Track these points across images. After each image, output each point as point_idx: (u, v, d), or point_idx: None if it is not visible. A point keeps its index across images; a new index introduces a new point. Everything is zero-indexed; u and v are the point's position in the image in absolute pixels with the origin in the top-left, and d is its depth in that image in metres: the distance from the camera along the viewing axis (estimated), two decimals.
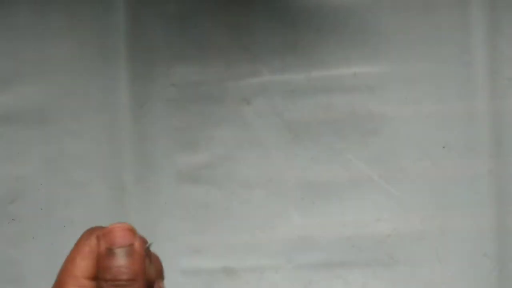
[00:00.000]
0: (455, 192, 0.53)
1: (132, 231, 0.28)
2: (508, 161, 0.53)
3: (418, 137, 0.54)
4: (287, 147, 0.55)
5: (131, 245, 0.27)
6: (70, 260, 0.29)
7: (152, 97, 0.56)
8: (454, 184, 0.53)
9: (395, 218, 0.54)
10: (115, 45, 0.56)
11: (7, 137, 0.56)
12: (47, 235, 0.56)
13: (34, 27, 0.57)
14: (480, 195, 0.53)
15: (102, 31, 0.56)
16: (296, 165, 0.55)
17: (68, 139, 0.56)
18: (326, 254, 0.54)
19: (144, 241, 0.28)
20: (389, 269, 0.53)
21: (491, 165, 0.53)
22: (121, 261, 0.27)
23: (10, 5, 0.57)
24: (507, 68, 0.53)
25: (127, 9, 0.56)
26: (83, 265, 0.28)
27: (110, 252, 0.27)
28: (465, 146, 0.53)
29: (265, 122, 0.55)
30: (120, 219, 0.56)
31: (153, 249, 0.53)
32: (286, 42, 0.55)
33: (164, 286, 0.29)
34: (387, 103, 0.54)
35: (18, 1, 0.57)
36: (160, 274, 0.29)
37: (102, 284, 0.27)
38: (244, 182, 0.55)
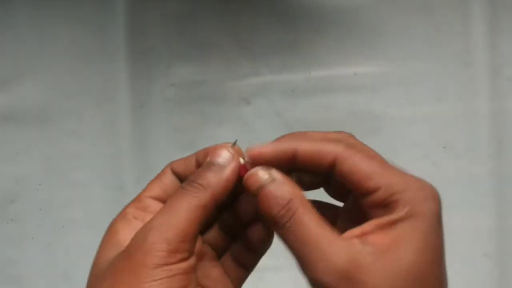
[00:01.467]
0: (455, 192, 0.53)
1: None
2: (508, 161, 0.53)
3: (418, 137, 0.54)
4: None
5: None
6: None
7: (152, 97, 0.56)
8: (455, 184, 0.53)
9: None
10: (115, 45, 0.56)
11: (6, 137, 0.56)
12: (46, 236, 0.56)
13: (34, 27, 0.57)
14: (481, 195, 0.53)
15: (102, 32, 0.56)
16: None
17: (68, 139, 0.56)
18: None
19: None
20: None
21: (492, 165, 0.53)
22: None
23: (9, 5, 0.57)
24: (507, 68, 0.53)
25: (127, 9, 0.56)
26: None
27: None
28: (466, 146, 0.53)
29: (265, 122, 0.55)
30: None
31: None
32: (286, 42, 0.55)
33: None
34: (387, 103, 0.54)
35: (18, 1, 0.57)
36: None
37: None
38: None
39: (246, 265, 0.33)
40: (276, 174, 0.29)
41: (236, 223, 0.32)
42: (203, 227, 0.29)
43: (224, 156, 0.31)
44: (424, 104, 0.54)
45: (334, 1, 0.55)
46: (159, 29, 0.56)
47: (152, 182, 0.32)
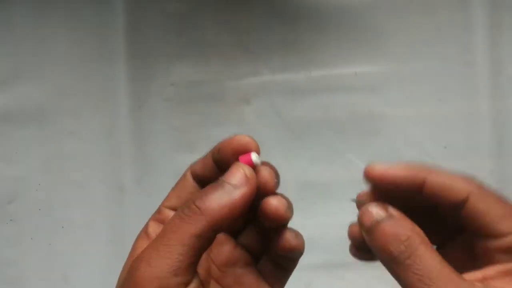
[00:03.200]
0: None
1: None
2: (509, 161, 0.53)
3: (419, 137, 0.54)
4: (287, 147, 0.55)
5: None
6: None
7: (151, 96, 0.56)
8: None
9: None
10: (114, 45, 0.56)
11: (5, 137, 0.56)
12: (45, 236, 0.56)
13: (33, 27, 0.57)
14: None
15: (101, 31, 0.56)
16: (296, 165, 0.55)
17: (67, 139, 0.56)
18: (326, 255, 0.54)
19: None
20: None
21: (493, 165, 0.53)
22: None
23: (8, 5, 0.57)
24: (508, 68, 0.53)
25: (127, 8, 0.56)
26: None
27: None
28: (467, 146, 0.53)
29: (265, 122, 0.55)
30: (118, 219, 0.55)
31: None
32: (286, 41, 0.55)
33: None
34: (388, 103, 0.54)
35: (17, 1, 0.57)
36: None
37: None
38: None
39: (286, 267, 0.32)
40: (393, 210, 0.28)
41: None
42: (201, 254, 0.27)
43: (237, 177, 0.28)
44: (424, 104, 0.54)
45: (334, 1, 0.55)
46: (159, 28, 0.56)
47: (172, 189, 0.31)
